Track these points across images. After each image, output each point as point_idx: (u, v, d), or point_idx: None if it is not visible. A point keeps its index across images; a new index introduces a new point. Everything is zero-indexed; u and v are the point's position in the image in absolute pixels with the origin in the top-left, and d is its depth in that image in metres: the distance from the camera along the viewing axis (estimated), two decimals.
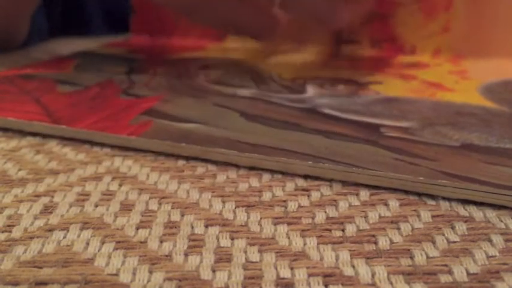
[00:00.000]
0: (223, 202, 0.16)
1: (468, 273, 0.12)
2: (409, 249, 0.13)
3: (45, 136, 0.20)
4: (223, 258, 0.13)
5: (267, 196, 0.16)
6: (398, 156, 0.17)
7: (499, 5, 0.30)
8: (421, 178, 0.16)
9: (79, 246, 0.14)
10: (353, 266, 0.13)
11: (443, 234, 0.14)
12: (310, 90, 0.25)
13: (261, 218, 0.15)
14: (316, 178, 0.17)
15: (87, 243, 0.14)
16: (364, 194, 0.16)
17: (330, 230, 0.14)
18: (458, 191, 0.16)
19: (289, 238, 0.14)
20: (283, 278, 0.12)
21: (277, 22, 0.28)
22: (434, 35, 0.31)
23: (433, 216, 0.15)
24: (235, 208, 0.15)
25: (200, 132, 0.19)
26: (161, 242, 0.14)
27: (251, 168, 0.18)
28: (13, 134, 0.21)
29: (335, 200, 0.16)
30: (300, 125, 0.20)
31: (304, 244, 0.14)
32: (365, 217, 0.15)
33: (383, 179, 0.16)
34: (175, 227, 0.14)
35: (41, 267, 0.13)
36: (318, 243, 0.14)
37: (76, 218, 0.15)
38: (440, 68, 0.29)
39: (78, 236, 0.14)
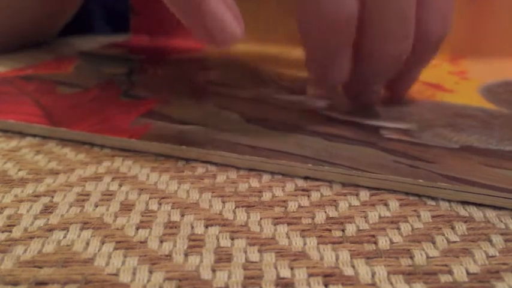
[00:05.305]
0: (223, 202, 0.16)
1: (468, 273, 0.12)
2: (409, 249, 0.13)
3: (45, 136, 0.20)
4: (223, 258, 0.13)
5: (267, 196, 0.16)
6: (398, 158, 0.17)
7: (499, 5, 0.30)
8: (421, 181, 0.16)
9: (79, 246, 0.14)
10: (353, 266, 0.13)
11: (443, 234, 0.14)
12: (311, 92, 0.25)
13: (261, 218, 0.15)
14: (316, 179, 0.17)
15: (87, 243, 0.14)
16: (364, 194, 0.16)
17: (330, 230, 0.14)
18: (458, 194, 0.16)
19: (289, 238, 0.14)
20: (283, 278, 0.12)
21: None
22: None
23: (433, 217, 0.15)
24: (235, 208, 0.15)
25: (200, 134, 0.19)
26: (161, 242, 0.14)
27: (251, 168, 0.18)
28: (13, 134, 0.21)
29: (335, 200, 0.16)
30: (300, 127, 0.20)
31: (304, 244, 0.14)
32: (365, 217, 0.15)
33: (382, 182, 0.16)
34: (175, 227, 0.15)
35: (41, 267, 0.13)
36: (318, 243, 0.14)
37: (76, 218, 0.15)
38: (440, 68, 0.29)
39: (78, 236, 0.14)
